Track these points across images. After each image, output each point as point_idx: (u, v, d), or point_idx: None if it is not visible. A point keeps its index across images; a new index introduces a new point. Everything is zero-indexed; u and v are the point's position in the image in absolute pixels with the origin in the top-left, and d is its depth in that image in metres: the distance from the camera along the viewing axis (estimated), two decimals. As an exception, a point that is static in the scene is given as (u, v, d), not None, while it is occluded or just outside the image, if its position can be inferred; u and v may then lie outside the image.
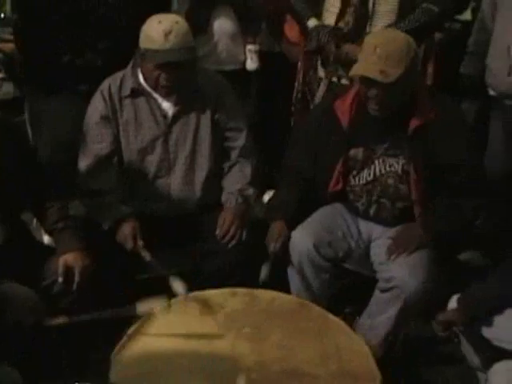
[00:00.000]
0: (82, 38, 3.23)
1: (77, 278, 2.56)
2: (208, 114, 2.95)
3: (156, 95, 2.90)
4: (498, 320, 2.54)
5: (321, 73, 3.44)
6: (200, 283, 2.68)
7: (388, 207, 2.90)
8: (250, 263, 2.86)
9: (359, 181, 2.91)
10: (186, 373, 2.23)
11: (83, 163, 2.94)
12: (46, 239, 3.07)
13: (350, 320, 3.01)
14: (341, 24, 3.29)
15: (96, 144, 2.92)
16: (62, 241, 2.67)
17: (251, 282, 2.68)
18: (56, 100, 3.32)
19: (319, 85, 3.43)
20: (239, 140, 3.04)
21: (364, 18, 3.22)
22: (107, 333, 2.38)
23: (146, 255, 2.76)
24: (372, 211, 2.93)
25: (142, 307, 2.44)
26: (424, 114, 2.73)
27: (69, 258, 2.59)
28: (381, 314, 2.83)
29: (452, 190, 2.77)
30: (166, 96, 2.89)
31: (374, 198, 2.90)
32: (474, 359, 2.72)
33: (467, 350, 2.70)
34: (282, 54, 3.87)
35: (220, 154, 3.04)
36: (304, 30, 3.49)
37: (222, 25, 3.68)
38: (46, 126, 3.45)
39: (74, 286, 2.57)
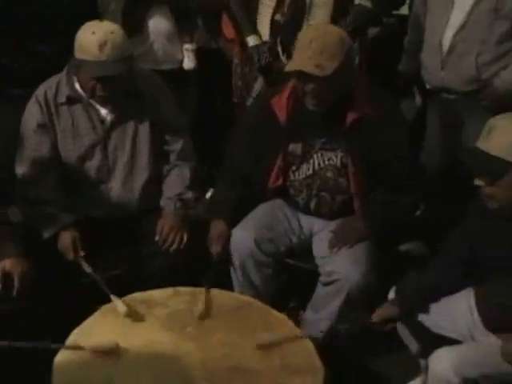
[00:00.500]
0: (21, 41, 3.18)
1: (16, 284, 2.53)
2: (146, 118, 2.93)
3: (93, 102, 2.86)
4: (436, 307, 2.60)
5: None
6: (142, 284, 2.67)
7: (328, 201, 2.92)
8: (192, 262, 2.87)
9: (299, 175, 2.92)
10: (130, 374, 2.23)
11: (21, 170, 2.89)
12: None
13: (295, 315, 3.05)
14: (278, 16, 3.30)
15: (33, 151, 2.87)
16: (1, 247, 2.63)
17: (193, 281, 2.68)
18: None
19: (256, 80, 3.45)
20: (178, 143, 3.03)
21: (301, 9, 3.24)
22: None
23: (87, 267, 2.75)
24: (312, 205, 2.96)
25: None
26: (361, 108, 2.75)
27: (7, 264, 2.55)
28: (324, 307, 2.86)
29: (390, 182, 2.81)
30: (102, 104, 2.87)
31: (313, 192, 2.92)
32: (414, 347, 2.78)
33: (408, 338, 2.76)
34: (220, 51, 3.86)
35: (159, 157, 3.03)
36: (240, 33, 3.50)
37: (158, 24, 3.66)
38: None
39: (14, 293, 2.53)
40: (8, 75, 3.23)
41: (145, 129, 2.94)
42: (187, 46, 3.71)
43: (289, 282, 3.23)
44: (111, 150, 2.93)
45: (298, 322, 2.83)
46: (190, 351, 2.32)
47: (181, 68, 3.74)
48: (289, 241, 2.99)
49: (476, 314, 2.49)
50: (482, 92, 3.24)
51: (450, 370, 2.30)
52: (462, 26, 3.17)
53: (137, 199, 2.99)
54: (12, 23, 3.18)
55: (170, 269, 2.84)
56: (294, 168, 2.93)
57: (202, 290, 2.61)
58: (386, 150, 2.76)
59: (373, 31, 4.15)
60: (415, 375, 2.84)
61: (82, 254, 2.78)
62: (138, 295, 2.59)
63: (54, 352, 2.28)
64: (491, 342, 2.38)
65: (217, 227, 2.92)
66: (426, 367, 2.47)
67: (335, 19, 3.19)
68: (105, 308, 2.53)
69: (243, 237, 2.88)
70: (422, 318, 2.63)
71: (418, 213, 3.95)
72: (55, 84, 2.87)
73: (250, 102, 3.51)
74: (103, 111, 2.88)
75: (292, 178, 2.95)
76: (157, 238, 2.89)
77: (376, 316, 2.61)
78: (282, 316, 2.54)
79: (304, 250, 3.01)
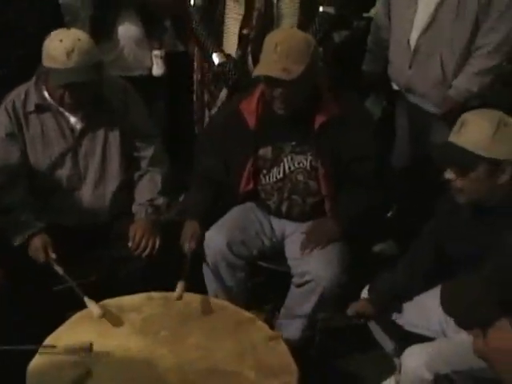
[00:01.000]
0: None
1: None
2: (116, 125, 2.93)
3: (63, 110, 2.85)
4: (409, 306, 2.63)
5: None
6: (115, 290, 2.67)
7: (299, 203, 2.94)
8: (165, 266, 2.86)
9: (270, 179, 2.94)
10: (105, 379, 2.22)
11: (-11, 179, 2.88)
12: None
13: (269, 317, 3.05)
14: (246, 30, 3.30)
15: (2, 160, 2.85)
16: None
17: (166, 286, 2.68)
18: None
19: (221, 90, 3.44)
20: (149, 149, 3.03)
21: (269, 21, 3.23)
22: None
23: (59, 269, 2.73)
24: (284, 208, 2.97)
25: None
26: (328, 111, 2.78)
27: None
28: (297, 308, 2.88)
29: (358, 183, 2.84)
30: (71, 112, 2.86)
31: (285, 196, 2.94)
32: (388, 345, 2.81)
33: (381, 336, 2.79)
34: (188, 54, 3.84)
35: (130, 164, 3.02)
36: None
37: (128, 30, 3.65)
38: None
39: None
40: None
41: (115, 136, 2.94)
42: (156, 52, 3.70)
43: (263, 284, 3.25)
44: (81, 158, 2.92)
45: (272, 324, 2.83)
46: (165, 355, 2.32)
47: (150, 74, 3.74)
48: (261, 243, 3.00)
49: (447, 311, 2.52)
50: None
51: (422, 366, 2.32)
52: (427, 27, 3.19)
53: (108, 206, 2.99)
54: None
55: (142, 274, 2.85)
56: (264, 172, 2.94)
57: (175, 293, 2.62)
58: (353, 151, 2.79)
59: (343, 34, 4.20)
60: (390, 374, 2.86)
61: (53, 256, 2.76)
62: (111, 301, 2.58)
63: (28, 355, 2.28)
64: (463, 338, 2.39)
65: (190, 226, 2.93)
66: (400, 365, 2.49)
67: (302, 28, 3.21)
68: (78, 315, 2.51)
69: (216, 239, 2.89)
70: (395, 316, 2.67)
71: (390, 213, 3.99)
72: (24, 92, 2.85)
73: (214, 111, 3.49)
74: (73, 119, 2.88)
75: (263, 181, 2.96)
76: (129, 243, 2.88)
77: (350, 310, 2.65)
78: (254, 318, 2.54)
79: (277, 252, 3.03)
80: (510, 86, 3.62)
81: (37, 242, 2.78)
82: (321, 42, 3.27)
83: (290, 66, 2.62)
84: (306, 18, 3.30)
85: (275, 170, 2.92)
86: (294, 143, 2.87)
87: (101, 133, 2.92)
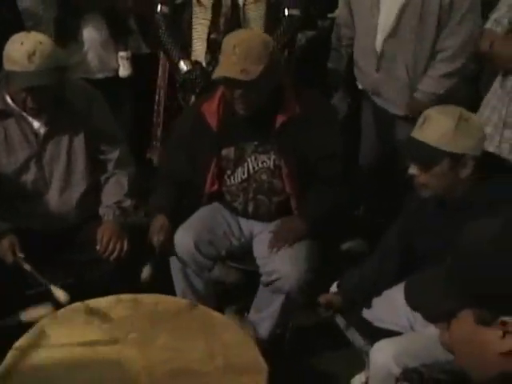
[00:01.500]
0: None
1: None
2: (80, 128, 2.91)
3: (26, 115, 2.83)
4: (377, 301, 2.65)
5: None
6: (84, 292, 2.65)
7: (265, 203, 2.95)
8: (133, 268, 2.86)
9: (234, 180, 2.95)
10: (73, 383, 2.22)
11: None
12: None
13: (239, 316, 3.06)
14: (214, 34, 3.30)
15: None
16: None
17: (135, 287, 2.67)
18: None
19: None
20: (114, 152, 3.01)
21: (236, 25, 3.24)
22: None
23: (27, 266, 2.71)
24: (250, 209, 2.98)
25: (27, 315, 2.41)
26: (289, 110, 2.80)
27: None
28: (267, 307, 2.89)
29: (323, 181, 2.85)
30: (34, 117, 2.84)
31: (250, 196, 2.95)
32: (358, 342, 2.81)
33: (351, 333, 2.79)
34: (153, 56, 3.84)
35: (96, 167, 3.01)
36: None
37: (92, 32, 3.63)
38: None
39: None
40: None
41: (79, 139, 2.92)
42: (122, 53, 3.70)
43: (231, 284, 3.25)
44: (46, 163, 2.90)
45: (242, 324, 2.83)
46: (134, 357, 2.31)
47: (116, 76, 3.72)
48: (229, 244, 3.00)
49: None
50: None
51: (391, 360, 2.34)
52: (391, 31, 3.20)
53: (75, 210, 2.97)
54: None
55: (111, 277, 2.83)
56: (229, 173, 2.95)
57: (144, 295, 2.61)
58: (318, 150, 2.81)
59: (309, 34, 4.22)
60: (360, 370, 2.88)
61: (21, 255, 2.74)
62: (79, 304, 2.56)
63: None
64: (431, 332, 2.40)
65: (158, 221, 2.92)
66: (369, 361, 2.51)
67: (269, 31, 3.22)
68: (46, 318, 2.49)
69: (183, 239, 2.89)
70: (363, 312, 2.68)
71: (359, 211, 4.01)
72: None
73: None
74: (36, 124, 2.85)
75: (228, 183, 2.97)
76: (97, 247, 2.87)
77: (322, 298, 2.66)
78: (224, 318, 2.55)
79: (245, 252, 3.03)
80: (470, 82, 3.65)
81: (4, 243, 2.76)
82: (287, 44, 3.29)
83: (248, 66, 2.63)
84: (272, 21, 3.32)
85: (239, 170, 2.93)
86: (256, 143, 2.89)
87: (65, 137, 2.89)
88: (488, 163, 2.32)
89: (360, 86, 3.58)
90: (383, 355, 2.38)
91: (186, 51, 3.37)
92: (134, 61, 3.75)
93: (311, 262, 2.85)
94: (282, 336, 2.98)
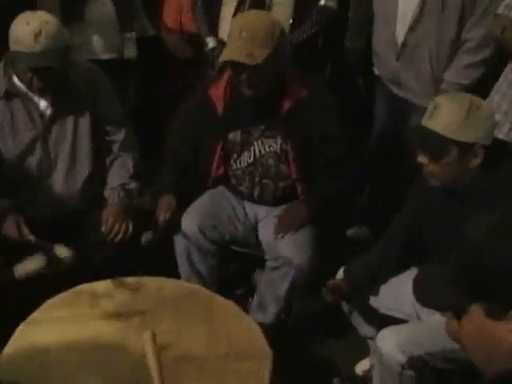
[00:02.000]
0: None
1: None
2: (86, 110, 2.88)
3: (32, 95, 2.80)
4: (383, 288, 2.64)
5: None
6: (87, 276, 2.64)
7: (271, 187, 2.93)
8: (138, 252, 2.85)
9: (240, 164, 2.93)
10: (75, 366, 2.20)
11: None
12: None
13: (243, 302, 3.05)
14: (238, 15, 3.28)
15: None
16: None
17: (139, 271, 2.66)
18: None
19: None
20: (119, 133, 2.99)
21: (261, 8, 3.20)
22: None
23: (32, 237, 2.70)
24: (256, 193, 2.96)
25: (21, 270, 2.40)
26: (296, 94, 2.79)
27: None
28: (271, 292, 2.87)
29: (329, 165, 2.84)
30: (41, 96, 2.81)
31: (256, 180, 2.93)
32: (363, 329, 2.80)
33: (357, 320, 2.79)
34: (159, 39, 3.81)
35: (101, 149, 2.99)
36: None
37: (99, 12, 3.58)
38: None
39: None
40: None
41: (85, 121, 2.89)
42: (128, 35, 3.65)
43: (236, 269, 3.24)
44: (52, 144, 2.88)
45: (246, 309, 2.83)
46: (137, 341, 2.28)
47: (121, 58, 3.67)
48: (234, 228, 2.99)
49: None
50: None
51: (396, 349, 2.33)
52: (414, 21, 3.10)
53: (80, 192, 2.95)
54: None
55: (116, 260, 2.82)
56: (235, 156, 2.93)
57: (148, 279, 2.60)
58: (322, 132, 2.80)
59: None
60: (364, 357, 2.87)
61: (26, 230, 2.72)
62: (84, 286, 2.56)
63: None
64: (436, 320, 2.39)
65: (164, 200, 2.92)
66: (374, 348, 2.50)
67: (297, 19, 3.19)
68: (50, 301, 2.49)
69: (188, 224, 2.88)
70: (370, 299, 2.67)
71: (364, 197, 3.97)
72: None
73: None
74: (42, 105, 2.82)
75: (234, 166, 2.96)
76: (102, 229, 2.85)
77: (329, 283, 2.65)
78: (228, 303, 2.53)
79: (250, 236, 3.01)
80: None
81: (9, 219, 2.74)
82: (313, 35, 3.26)
83: (254, 50, 2.61)
84: (302, 9, 3.27)
85: (245, 154, 2.91)
86: (263, 127, 2.87)
87: (71, 118, 2.87)
88: (497, 150, 2.29)
89: (376, 72, 3.51)
90: (388, 343, 2.37)
91: (214, 29, 3.39)
92: (140, 43, 3.71)
93: (316, 247, 2.84)
94: (286, 322, 2.97)
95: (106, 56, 3.61)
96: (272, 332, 2.67)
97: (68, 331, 2.33)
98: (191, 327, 2.37)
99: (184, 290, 2.59)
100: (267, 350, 2.28)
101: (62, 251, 2.53)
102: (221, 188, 3.04)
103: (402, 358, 2.32)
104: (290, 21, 3.25)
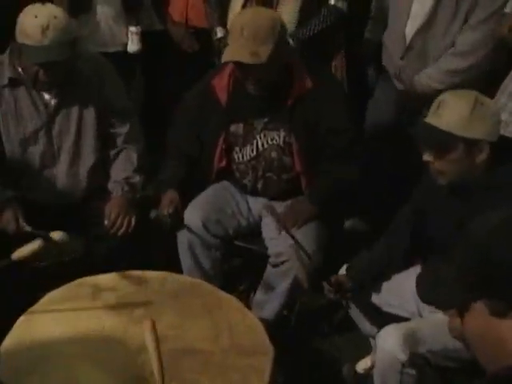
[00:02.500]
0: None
1: None
2: (92, 101, 2.87)
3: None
4: (386, 286, 2.63)
5: None
6: (90, 268, 2.64)
7: (274, 181, 2.93)
8: (142, 244, 2.85)
9: (243, 157, 2.93)
10: (76, 358, 2.19)
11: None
12: None
13: (245, 297, 3.05)
14: (247, 7, 3.27)
15: None
16: None
17: (142, 264, 2.66)
18: None
19: None
20: (124, 126, 2.97)
21: (268, 3, 3.21)
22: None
23: (28, 228, 2.67)
24: (260, 187, 2.96)
25: (17, 255, 2.41)
26: (301, 85, 2.77)
27: None
28: (274, 288, 2.87)
29: (333, 156, 2.83)
30: (45, 90, 2.80)
31: (259, 173, 2.93)
32: (365, 326, 2.80)
33: (358, 317, 2.78)
34: (165, 33, 3.81)
35: (106, 141, 2.97)
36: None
37: (105, 4, 3.58)
38: None
39: None
40: None
41: (90, 112, 2.88)
42: (132, 28, 3.64)
43: (239, 264, 3.23)
44: (56, 135, 2.86)
45: (248, 305, 2.83)
46: (139, 334, 2.29)
47: (126, 51, 3.67)
48: (236, 223, 2.99)
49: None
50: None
51: (397, 346, 2.32)
52: (424, 25, 3.09)
53: (83, 185, 2.94)
54: None
55: (118, 253, 2.81)
56: (237, 149, 2.93)
57: (151, 272, 2.59)
58: (328, 123, 2.79)
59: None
60: (366, 354, 2.86)
61: (23, 223, 2.69)
62: (87, 279, 2.55)
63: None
64: (438, 318, 2.39)
65: (168, 195, 2.93)
66: (376, 346, 2.49)
67: (304, 15, 3.18)
68: (52, 294, 2.49)
69: (191, 218, 2.88)
70: (372, 296, 2.66)
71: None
72: None
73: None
74: (47, 95, 2.82)
75: (237, 160, 2.95)
76: (105, 222, 2.84)
77: (332, 279, 2.64)
78: (230, 297, 2.52)
79: (253, 231, 3.01)
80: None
81: (7, 212, 2.72)
82: (318, 33, 3.26)
83: (257, 48, 2.61)
84: (310, 6, 3.27)
85: (248, 147, 2.91)
86: (266, 120, 2.86)
87: (76, 109, 2.86)
88: (503, 147, 2.28)
89: (383, 63, 3.49)
90: (390, 340, 2.36)
91: (223, 19, 3.42)
92: (146, 37, 3.70)
93: (319, 244, 2.83)
94: (288, 318, 2.97)
95: (111, 49, 3.61)
96: (274, 328, 2.67)
97: (69, 323, 2.32)
98: (193, 321, 2.36)
99: (187, 284, 2.59)
100: (269, 346, 2.27)
101: (58, 234, 2.52)
102: (225, 183, 3.04)
103: (403, 356, 2.31)
104: (297, 17, 3.25)
